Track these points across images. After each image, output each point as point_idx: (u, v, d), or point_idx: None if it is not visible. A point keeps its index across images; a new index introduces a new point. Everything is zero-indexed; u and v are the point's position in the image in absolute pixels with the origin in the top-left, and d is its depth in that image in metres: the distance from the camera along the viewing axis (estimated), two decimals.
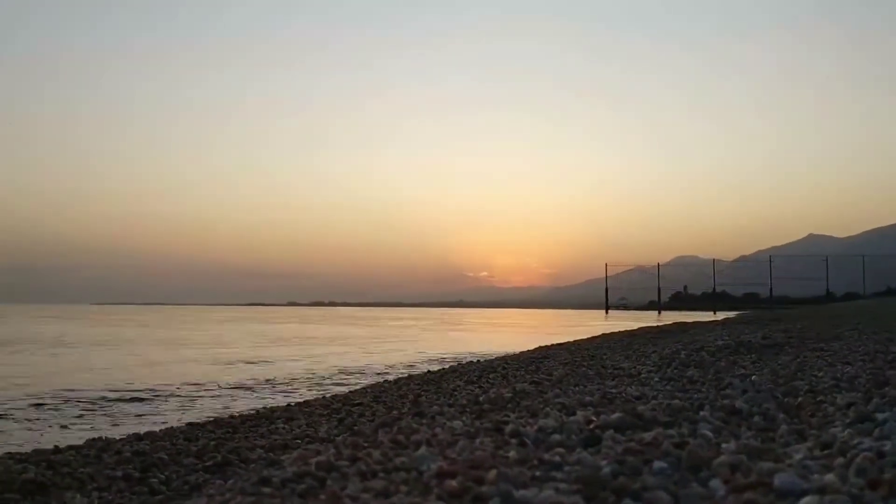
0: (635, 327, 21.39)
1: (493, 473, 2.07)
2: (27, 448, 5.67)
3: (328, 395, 9.04)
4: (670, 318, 39.82)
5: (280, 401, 9.34)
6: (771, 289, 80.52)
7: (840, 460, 2.11)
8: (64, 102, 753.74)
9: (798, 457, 2.23)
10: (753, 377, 4.69)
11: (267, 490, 2.30)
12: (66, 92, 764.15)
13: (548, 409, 3.55)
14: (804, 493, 1.78)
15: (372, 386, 9.95)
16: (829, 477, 1.88)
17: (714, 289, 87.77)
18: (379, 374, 13.61)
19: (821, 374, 4.61)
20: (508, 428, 2.94)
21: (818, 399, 3.53)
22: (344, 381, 12.35)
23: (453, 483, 2.03)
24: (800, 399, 3.58)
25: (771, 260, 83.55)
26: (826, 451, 2.31)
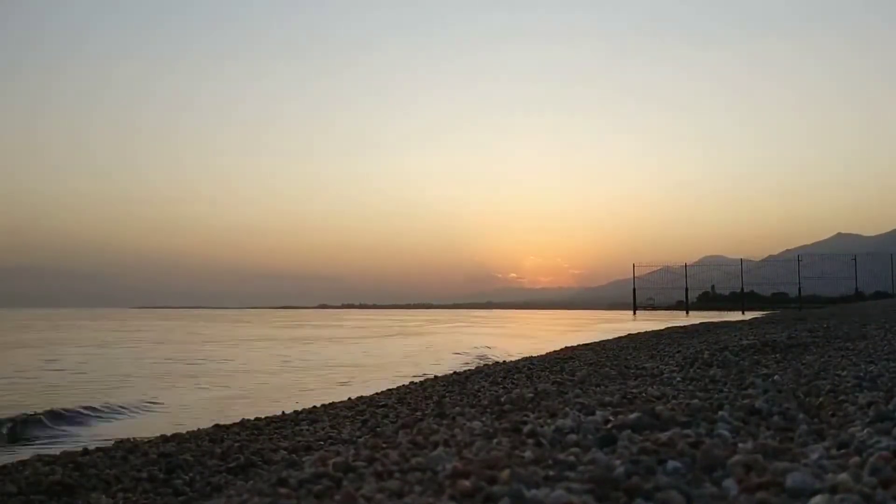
0: (662, 327, 21.25)
1: (506, 473, 2.08)
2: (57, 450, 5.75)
3: (353, 397, 9.06)
4: (698, 318, 39.53)
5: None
6: (800, 288, 79.65)
7: (855, 459, 2.09)
8: (117, 110, 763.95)
9: (814, 456, 2.21)
10: (776, 377, 4.66)
11: (284, 491, 2.32)
12: (119, 100, 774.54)
13: (567, 409, 3.55)
14: (816, 492, 1.78)
15: (397, 388, 9.95)
16: (842, 476, 1.87)
17: (742, 289, 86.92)
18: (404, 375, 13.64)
19: (844, 373, 4.57)
20: (526, 428, 2.94)
21: (839, 398, 3.50)
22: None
23: (466, 483, 2.04)
24: (821, 399, 3.55)
25: (799, 259, 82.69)
26: (843, 451, 2.29)
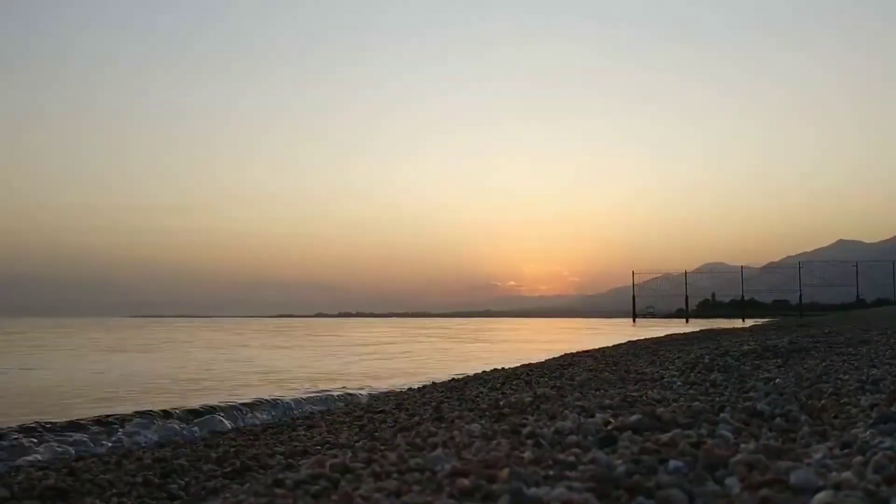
0: (662, 335, 21.21)
1: (505, 472, 2.05)
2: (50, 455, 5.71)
3: (350, 403, 9.03)
4: (698, 325, 39.51)
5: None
6: (800, 295, 79.84)
7: (858, 458, 2.07)
8: (110, 117, 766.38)
9: (817, 456, 2.19)
10: (777, 380, 4.63)
11: (280, 491, 2.29)
12: (113, 107, 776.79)
13: (566, 411, 3.52)
14: (819, 489, 1.75)
15: (395, 393, 9.91)
16: (846, 474, 1.84)
17: (743, 296, 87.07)
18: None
19: (846, 377, 4.55)
20: (526, 430, 2.92)
21: (842, 401, 3.48)
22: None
23: (465, 482, 2.01)
24: (823, 401, 3.53)
25: (800, 266, 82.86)
26: (846, 451, 2.27)
